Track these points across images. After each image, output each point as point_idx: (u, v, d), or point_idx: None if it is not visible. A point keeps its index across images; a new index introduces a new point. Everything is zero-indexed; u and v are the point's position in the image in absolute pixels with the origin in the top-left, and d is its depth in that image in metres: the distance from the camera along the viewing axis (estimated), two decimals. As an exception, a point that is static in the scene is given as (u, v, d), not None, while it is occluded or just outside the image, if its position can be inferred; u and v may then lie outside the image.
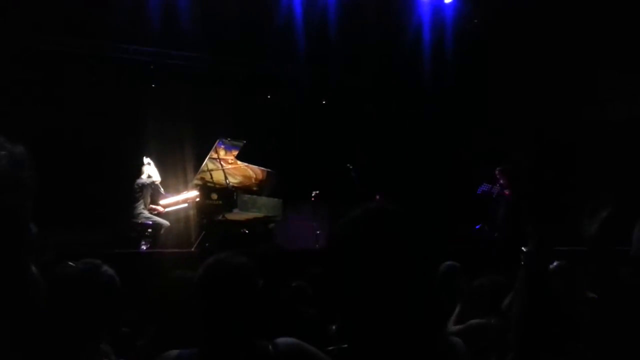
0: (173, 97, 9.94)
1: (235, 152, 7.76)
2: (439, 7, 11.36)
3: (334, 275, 1.01)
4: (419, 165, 10.93)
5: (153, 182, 7.42)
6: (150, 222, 7.12)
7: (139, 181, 7.27)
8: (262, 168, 8.03)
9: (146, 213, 7.18)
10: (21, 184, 0.60)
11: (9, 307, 0.59)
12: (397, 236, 0.98)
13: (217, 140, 7.46)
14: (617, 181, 8.91)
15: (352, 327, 1.00)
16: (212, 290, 1.61)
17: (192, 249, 7.15)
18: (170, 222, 7.40)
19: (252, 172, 8.02)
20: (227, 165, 7.70)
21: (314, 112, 11.07)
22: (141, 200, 7.19)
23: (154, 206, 7.44)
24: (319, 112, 11.21)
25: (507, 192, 7.81)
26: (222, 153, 7.58)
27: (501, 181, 7.86)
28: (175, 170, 8.66)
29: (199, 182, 7.61)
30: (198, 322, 1.62)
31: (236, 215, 7.50)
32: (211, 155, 7.48)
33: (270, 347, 1.64)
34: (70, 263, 1.75)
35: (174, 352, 1.66)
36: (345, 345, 1.07)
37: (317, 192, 8.31)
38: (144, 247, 7.01)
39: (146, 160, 7.52)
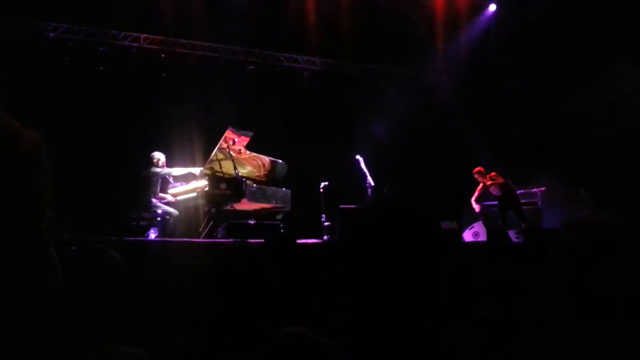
0: (183, 87, 9.96)
1: (245, 142, 7.75)
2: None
3: (345, 264, 1.01)
4: (426, 157, 10.92)
5: (168, 173, 7.44)
6: (160, 211, 7.15)
7: (152, 170, 7.28)
8: (272, 158, 8.03)
9: (155, 202, 7.21)
10: (41, 166, 0.61)
11: (28, 289, 0.60)
12: (409, 226, 0.97)
13: (227, 130, 7.46)
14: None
15: (359, 317, 1.00)
16: (224, 277, 1.61)
17: (200, 239, 7.17)
18: (178, 211, 7.42)
19: (261, 162, 8.02)
20: (236, 155, 7.70)
21: (324, 102, 11.06)
22: (151, 189, 7.21)
23: (163, 195, 7.46)
24: (329, 102, 11.19)
25: (492, 189, 8.47)
26: (231, 143, 7.58)
27: (481, 180, 8.62)
28: (185, 159, 8.68)
29: (208, 172, 7.62)
30: (208, 309, 1.62)
31: (245, 205, 7.51)
32: (220, 144, 7.49)
33: (277, 335, 1.64)
34: (73, 248, 1.76)
35: (183, 338, 1.67)
36: (352, 335, 1.07)
37: (326, 183, 8.29)
38: (152, 236, 7.04)
39: (158, 155, 7.47)
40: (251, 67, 10.85)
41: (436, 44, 11.46)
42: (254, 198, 7.43)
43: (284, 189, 7.91)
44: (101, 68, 9.76)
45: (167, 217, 7.21)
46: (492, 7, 11.72)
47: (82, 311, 1.56)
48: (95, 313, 1.61)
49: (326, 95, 11.28)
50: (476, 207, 8.73)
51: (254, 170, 8.07)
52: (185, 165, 8.01)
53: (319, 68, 11.36)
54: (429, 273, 0.98)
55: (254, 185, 7.77)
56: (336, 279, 1.03)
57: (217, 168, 7.74)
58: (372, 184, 7.97)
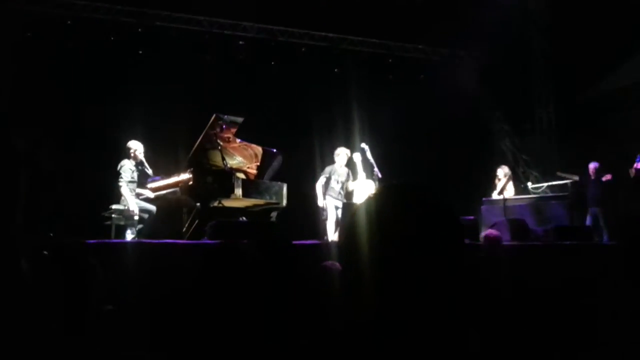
0: (163, 65, 9.89)
1: (234, 129, 7.76)
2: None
3: (349, 262, 1.02)
4: (443, 146, 10.93)
5: (141, 164, 7.44)
6: (137, 209, 7.16)
7: (124, 164, 7.27)
8: (265, 147, 8.04)
9: (133, 198, 7.22)
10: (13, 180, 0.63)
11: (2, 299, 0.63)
12: (422, 216, 0.98)
13: (213, 116, 7.46)
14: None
15: (366, 320, 1.01)
16: (212, 282, 1.64)
17: (184, 240, 7.20)
18: (158, 209, 7.44)
19: (253, 151, 8.02)
20: (224, 144, 7.71)
21: (325, 84, 11.02)
22: (127, 184, 7.21)
23: (140, 190, 7.47)
24: (331, 83, 11.14)
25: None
26: (218, 130, 7.59)
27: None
28: (166, 149, 8.68)
29: (193, 164, 7.63)
30: (193, 317, 1.65)
31: (234, 201, 7.53)
32: (206, 132, 7.49)
33: None
34: (45, 252, 1.78)
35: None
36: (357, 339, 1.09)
37: (327, 176, 8.30)
38: (129, 237, 7.06)
39: (134, 145, 7.46)
40: (241, 42, 10.83)
41: (455, 15, 11.40)
42: (245, 193, 7.44)
43: (279, 183, 7.93)
44: (69, 44, 9.74)
45: (146, 215, 7.23)
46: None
47: (57, 318, 1.59)
48: (72, 320, 1.64)
49: (327, 75, 11.25)
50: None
51: (245, 161, 8.08)
52: (167, 158, 8.01)
53: (319, 43, 11.33)
54: (442, 270, 0.99)
55: (245, 178, 7.79)
56: (341, 281, 1.06)
57: (202, 158, 7.76)
58: (380, 176, 7.98)
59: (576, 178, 9.86)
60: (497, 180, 9.47)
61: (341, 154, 8.29)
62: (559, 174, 10.34)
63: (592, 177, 9.34)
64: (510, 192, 9.36)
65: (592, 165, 9.42)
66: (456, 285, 1.00)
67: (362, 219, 1.02)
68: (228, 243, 1.85)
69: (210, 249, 1.79)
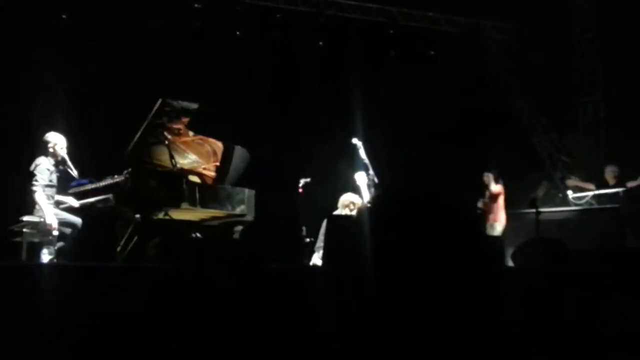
0: (94, 36, 9.83)
1: (187, 119, 7.76)
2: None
3: (338, 292, 1.04)
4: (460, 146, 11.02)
5: (63, 163, 7.41)
6: (56, 221, 7.13)
7: (40, 162, 7.24)
8: (226, 143, 8.05)
9: (51, 208, 7.18)
10: None
11: None
12: (437, 232, 1.00)
13: (160, 101, 7.46)
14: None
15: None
16: (163, 315, 1.65)
17: (119, 263, 7.18)
18: (85, 221, 7.40)
19: (211, 148, 8.04)
20: (173, 138, 7.70)
21: (306, 61, 11.04)
22: (43, 189, 7.18)
23: (61, 197, 7.43)
24: (314, 59, 11.17)
25: None
26: (165, 119, 7.58)
27: None
28: (96, 143, 8.64)
29: (131, 163, 7.62)
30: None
31: (185, 212, 7.54)
32: (151, 122, 7.48)
33: None
34: None
35: None
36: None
37: (308, 180, 8.34)
38: (47, 258, 7.02)
39: (54, 137, 7.44)
40: (196, 5, 10.81)
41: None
42: (200, 201, 7.45)
43: (245, 189, 7.94)
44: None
45: (68, 230, 7.19)
46: None
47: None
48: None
49: (309, 50, 11.27)
50: None
51: (200, 161, 8.09)
52: (97, 156, 7.98)
53: (299, 8, 11.34)
54: (469, 310, 0.99)
55: (201, 182, 7.79)
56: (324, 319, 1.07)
57: (144, 157, 7.74)
58: (377, 180, 8.04)
59: (592, 187, 10.05)
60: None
61: (350, 205, 8.24)
62: (569, 182, 10.56)
63: (611, 184, 9.51)
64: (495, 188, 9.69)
65: (609, 169, 9.64)
66: (489, 331, 1.00)
67: (355, 235, 1.03)
68: (183, 266, 1.86)
69: (159, 274, 1.80)
